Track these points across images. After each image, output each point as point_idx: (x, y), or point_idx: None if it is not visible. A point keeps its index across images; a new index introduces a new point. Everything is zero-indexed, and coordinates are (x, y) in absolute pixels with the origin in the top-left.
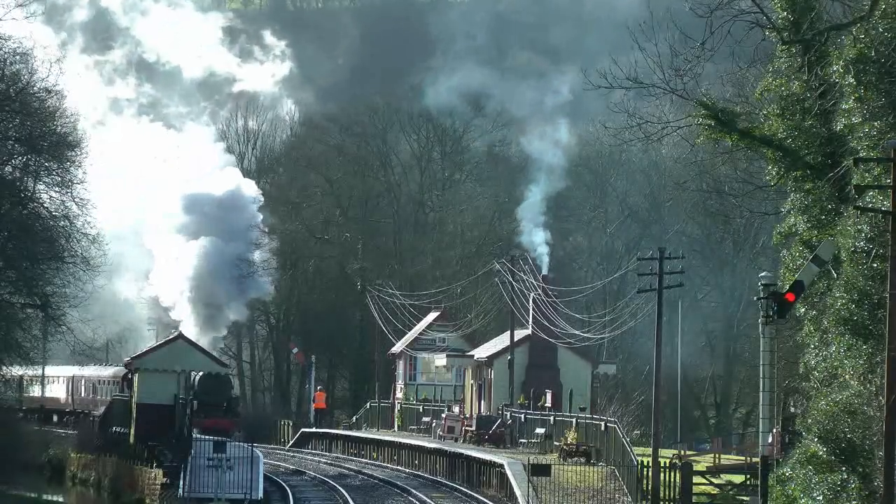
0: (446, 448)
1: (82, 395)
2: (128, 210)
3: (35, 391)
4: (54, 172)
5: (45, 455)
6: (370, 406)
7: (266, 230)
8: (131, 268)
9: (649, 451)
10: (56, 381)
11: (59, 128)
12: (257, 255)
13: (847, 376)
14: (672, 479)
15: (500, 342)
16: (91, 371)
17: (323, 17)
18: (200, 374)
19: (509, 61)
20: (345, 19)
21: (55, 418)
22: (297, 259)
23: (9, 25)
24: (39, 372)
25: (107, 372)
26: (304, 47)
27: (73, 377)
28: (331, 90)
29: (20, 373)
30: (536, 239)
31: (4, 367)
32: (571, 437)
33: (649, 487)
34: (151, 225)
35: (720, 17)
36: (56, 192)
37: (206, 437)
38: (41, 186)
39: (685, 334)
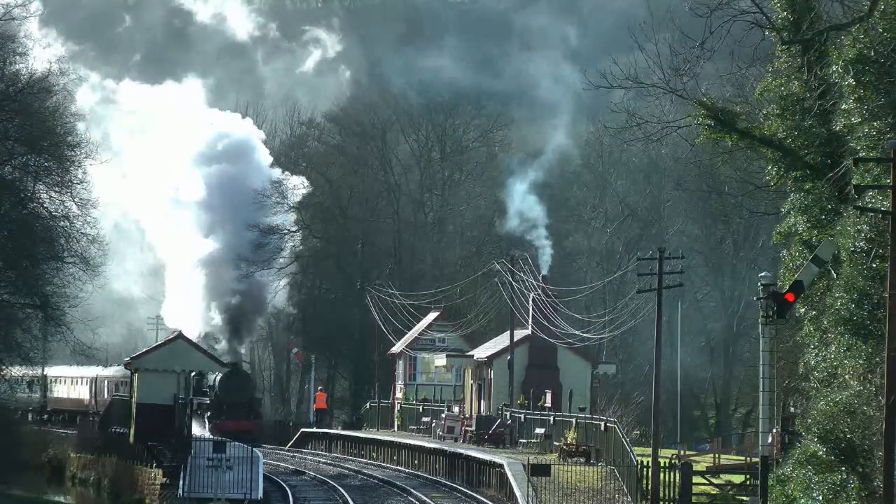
0: (446, 448)
1: (105, 396)
2: (131, 208)
3: (59, 391)
4: (54, 172)
5: (44, 455)
6: (370, 406)
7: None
8: (132, 267)
9: (649, 451)
10: (79, 382)
11: (59, 128)
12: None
13: (847, 376)
14: (672, 480)
15: (500, 342)
16: (113, 372)
17: (323, 17)
18: (220, 374)
19: (507, 59)
20: (345, 20)
21: (78, 420)
22: (297, 259)
23: (8, 24)
24: (57, 373)
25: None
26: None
27: (95, 377)
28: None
29: (44, 373)
30: (533, 216)
31: (5, 368)
32: (571, 437)
33: (649, 487)
34: (156, 224)
35: (720, 17)
36: (56, 192)
37: (209, 437)
38: (41, 186)
39: (685, 334)
